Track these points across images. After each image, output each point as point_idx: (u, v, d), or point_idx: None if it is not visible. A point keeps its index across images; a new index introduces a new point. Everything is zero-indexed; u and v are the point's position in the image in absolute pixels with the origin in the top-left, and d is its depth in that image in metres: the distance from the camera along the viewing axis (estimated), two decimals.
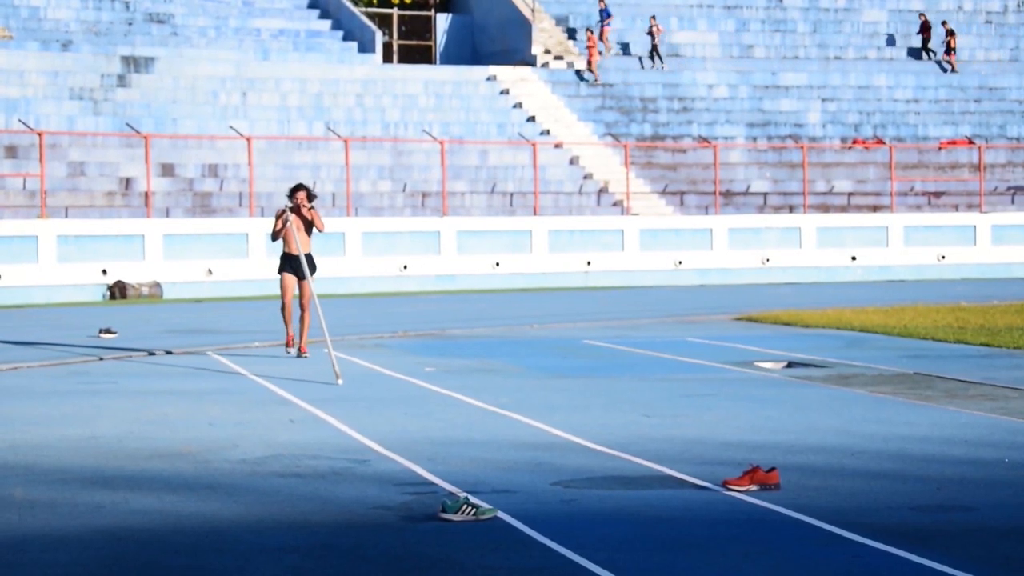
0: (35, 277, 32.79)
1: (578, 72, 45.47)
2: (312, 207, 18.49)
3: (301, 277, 18.39)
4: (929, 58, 50.20)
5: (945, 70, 49.69)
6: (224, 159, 38.42)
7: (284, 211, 18.27)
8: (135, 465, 10.87)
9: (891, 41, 50.94)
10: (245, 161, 37.09)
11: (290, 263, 18.58)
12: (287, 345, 19.09)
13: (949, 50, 49.77)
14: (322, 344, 17.42)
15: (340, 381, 15.57)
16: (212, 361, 18.64)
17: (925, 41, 50.28)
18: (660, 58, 47.15)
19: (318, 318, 17.15)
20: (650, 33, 47.32)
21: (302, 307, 18.67)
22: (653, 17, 47.62)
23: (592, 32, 46.20)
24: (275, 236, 18.52)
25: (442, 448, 11.52)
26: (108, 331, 22.51)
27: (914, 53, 50.55)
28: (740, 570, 7.71)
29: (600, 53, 46.20)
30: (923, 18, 50.49)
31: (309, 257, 18.30)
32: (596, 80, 45.23)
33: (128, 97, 39.94)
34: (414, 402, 14.32)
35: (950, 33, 49.80)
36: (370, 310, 28.33)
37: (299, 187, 18.58)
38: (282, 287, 18.87)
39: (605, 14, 46.82)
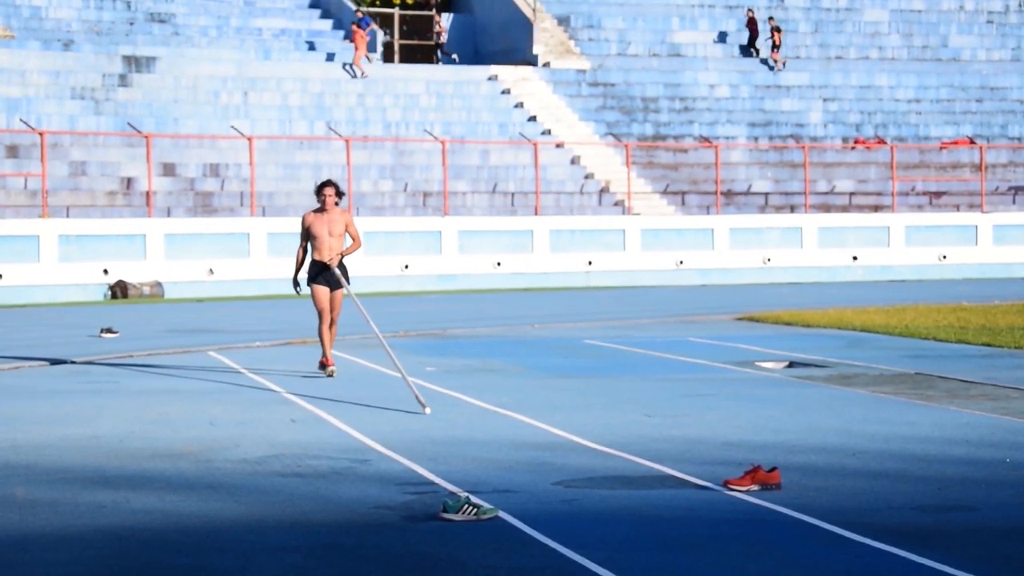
0: (36, 277, 32.80)
1: (345, 65, 43.73)
2: (340, 205, 16.54)
3: (335, 287, 16.43)
4: (755, 55, 48.88)
5: (772, 68, 48.47)
6: (225, 159, 38.43)
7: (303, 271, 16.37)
8: (136, 464, 10.88)
9: (722, 38, 50.01)
10: (246, 161, 37.10)
11: (321, 272, 16.40)
12: (323, 366, 16.72)
13: (774, 47, 48.38)
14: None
15: (427, 410, 13.41)
16: (213, 361, 18.64)
17: (752, 38, 48.98)
18: (446, 55, 45.74)
19: (386, 349, 15.14)
20: (436, 32, 45.97)
21: (331, 319, 16.60)
22: (438, 12, 46.00)
23: (359, 28, 43.77)
24: (295, 284, 16.66)
25: (443, 448, 11.53)
26: (109, 331, 22.51)
27: (743, 50, 49.51)
28: (742, 570, 7.71)
29: (367, 55, 44.17)
30: (750, 14, 49.18)
31: (341, 264, 16.37)
32: (362, 74, 43.25)
33: (129, 97, 39.96)
34: (415, 402, 14.32)
35: (776, 30, 48.38)
36: (371, 310, 28.19)
37: (327, 183, 16.49)
38: (316, 302, 16.51)
39: (365, 22, 44.26)
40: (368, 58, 43.79)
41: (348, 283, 16.23)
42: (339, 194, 16.42)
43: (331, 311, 16.46)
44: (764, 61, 48.59)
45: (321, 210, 16.36)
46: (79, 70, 40.15)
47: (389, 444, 11.66)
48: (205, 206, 36.64)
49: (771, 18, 49.00)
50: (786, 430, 12.38)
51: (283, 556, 8.03)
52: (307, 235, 16.40)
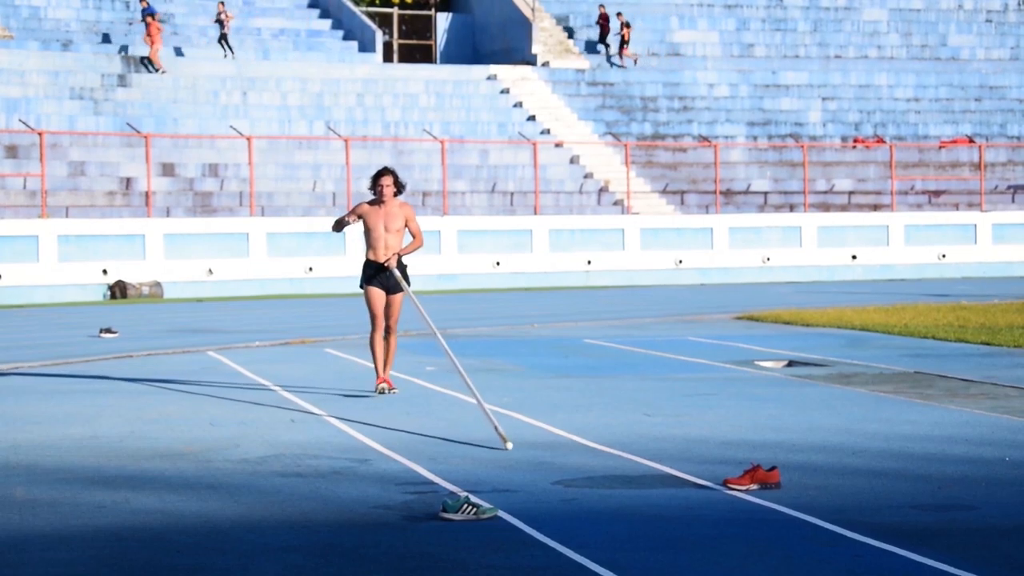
0: (36, 277, 32.81)
1: (143, 59, 41.36)
2: (401, 200, 14.56)
3: (393, 290, 14.53)
4: (605, 52, 47.84)
5: (618, 65, 47.38)
6: (224, 159, 38.44)
7: (359, 206, 14.57)
8: (136, 465, 10.88)
9: (580, 44, 49.02)
10: (245, 161, 37.11)
11: (376, 273, 14.50)
12: (378, 385, 14.66)
13: (623, 43, 47.42)
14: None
15: (509, 445, 11.40)
16: (213, 361, 18.63)
17: (603, 34, 47.94)
18: (229, 48, 43.11)
19: (461, 375, 12.87)
20: (219, 20, 43.37)
21: (387, 328, 14.60)
22: (221, 3, 43.50)
23: (154, 19, 41.57)
24: (336, 225, 14.67)
25: (443, 447, 11.52)
26: (109, 331, 22.52)
27: (591, 47, 48.53)
28: (741, 569, 7.71)
29: (156, 45, 41.47)
30: (601, 10, 48.06)
31: (400, 264, 14.43)
32: (161, 70, 41.03)
33: (129, 97, 39.96)
34: (415, 401, 14.31)
35: (625, 26, 47.53)
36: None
37: (385, 171, 14.47)
38: (370, 307, 14.59)
39: (151, 11, 41.86)
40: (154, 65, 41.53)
41: (409, 285, 14.37)
42: (398, 184, 14.41)
43: (388, 318, 14.52)
44: (609, 58, 47.82)
45: (377, 202, 14.42)
46: (78, 70, 40.15)
47: (389, 444, 11.66)
48: (204, 206, 36.65)
49: (620, 14, 48.03)
50: (786, 429, 12.38)
51: (283, 556, 8.03)
52: (361, 223, 14.54)
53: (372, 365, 14.93)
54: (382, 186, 14.31)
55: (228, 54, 43.14)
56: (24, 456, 11.31)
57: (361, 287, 14.59)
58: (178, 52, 43.03)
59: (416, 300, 13.85)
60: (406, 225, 14.44)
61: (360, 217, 14.44)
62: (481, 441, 11.83)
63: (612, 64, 47.55)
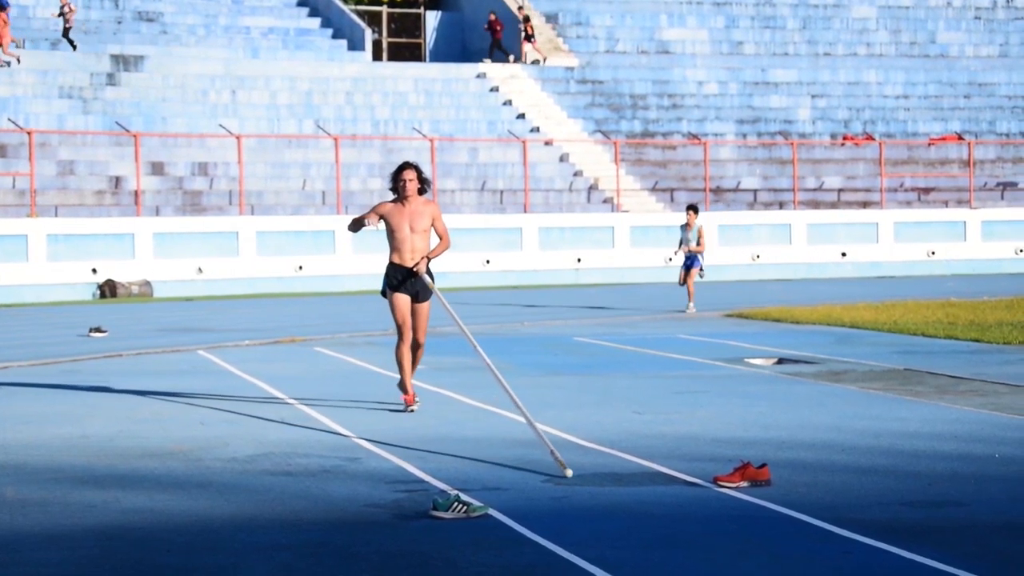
0: (25, 276, 32.75)
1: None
2: (427, 196, 13.33)
3: (422, 297, 13.35)
4: (502, 57, 46.74)
5: (537, 63, 46.49)
6: (214, 157, 38.39)
7: (380, 206, 13.24)
8: (126, 464, 10.86)
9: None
10: (235, 159, 37.07)
11: (401, 278, 13.28)
12: (407, 405, 13.46)
13: (528, 37, 46.39)
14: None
15: (568, 472, 10.17)
16: (203, 360, 18.61)
17: (495, 41, 46.74)
18: (72, 43, 41.51)
19: (504, 386, 11.65)
20: (61, 15, 41.75)
21: (415, 341, 13.49)
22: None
23: (3, 11, 39.67)
24: (353, 225, 13.38)
25: (433, 446, 11.52)
26: (99, 330, 22.49)
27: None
28: (732, 566, 7.72)
29: (14, 40, 40.51)
30: (492, 16, 47.00)
31: (427, 270, 13.18)
32: (17, 60, 39.50)
33: (118, 96, 39.90)
34: (392, 397, 14.29)
35: (525, 20, 46.64)
36: (361, 307, 28.31)
37: (406, 166, 13.18)
38: (396, 315, 13.32)
39: (4, 3, 40.06)
40: (16, 43, 40.45)
41: (432, 288, 13.15)
42: (422, 180, 13.14)
43: (415, 328, 13.37)
44: (518, 59, 46.90)
45: (400, 200, 13.16)
46: (67, 69, 40.09)
47: (379, 442, 11.66)
48: (194, 205, 36.61)
49: (521, 7, 47.21)
50: (776, 426, 12.39)
51: (273, 555, 8.02)
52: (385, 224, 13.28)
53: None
54: (404, 181, 13.04)
55: (71, 49, 41.60)
56: (14, 456, 11.30)
57: (383, 294, 13.38)
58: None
59: (447, 304, 12.65)
60: (432, 225, 13.22)
61: (381, 218, 13.18)
62: (472, 439, 11.83)
63: (515, 60, 46.68)
